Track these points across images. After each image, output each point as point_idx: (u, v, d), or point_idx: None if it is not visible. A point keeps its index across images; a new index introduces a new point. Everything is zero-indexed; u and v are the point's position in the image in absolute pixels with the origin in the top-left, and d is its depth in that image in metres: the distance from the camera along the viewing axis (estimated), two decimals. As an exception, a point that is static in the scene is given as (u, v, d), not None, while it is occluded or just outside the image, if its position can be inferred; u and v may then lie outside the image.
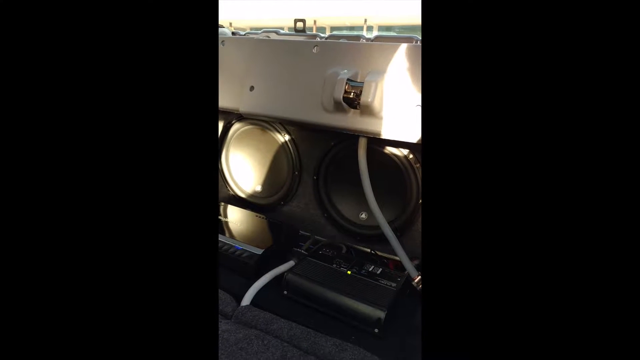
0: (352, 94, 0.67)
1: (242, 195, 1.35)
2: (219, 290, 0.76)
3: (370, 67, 0.69)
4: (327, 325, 0.74)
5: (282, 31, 0.96)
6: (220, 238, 0.97)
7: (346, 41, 0.75)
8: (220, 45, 0.87)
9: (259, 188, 1.33)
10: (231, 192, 1.37)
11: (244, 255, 0.91)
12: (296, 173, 1.22)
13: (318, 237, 1.17)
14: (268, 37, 0.90)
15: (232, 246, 0.94)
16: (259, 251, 0.92)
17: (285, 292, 0.83)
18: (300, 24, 0.91)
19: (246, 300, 0.76)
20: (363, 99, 0.66)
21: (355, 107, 0.67)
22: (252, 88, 0.80)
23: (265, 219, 1.17)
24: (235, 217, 1.16)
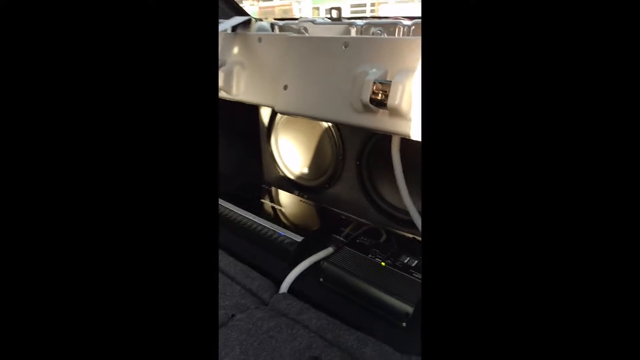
0: (380, 94, 0.65)
1: (291, 176, 1.42)
2: (258, 274, 0.85)
3: (400, 64, 0.66)
4: (357, 316, 0.78)
5: (318, 19, 0.94)
6: (265, 223, 1.05)
7: (377, 36, 0.71)
8: (257, 43, 0.89)
9: (305, 170, 1.38)
10: (280, 174, 1.44)
11: (285, 241, 0.98)
12: (340, 158, 1.24)
13: (361, 220, 1.20)
14: (304, 28, 0.89)
15: (275, 232, 1.01)
16: (299, 238, 0.98)
17: (321, 280, 0.89)
18: (335, 12, 0.88)
19: (284, 287, 0.83)
20: (390, 101, 0.64)
21: (384, 108, 0.66)
22: (285, 87, 0.82)
23: (309, 203, 1.23)
24: (280, 201, 1.23)
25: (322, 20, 0.89)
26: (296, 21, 0.95)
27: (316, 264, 0.91)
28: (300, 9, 10.86)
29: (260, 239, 1.01)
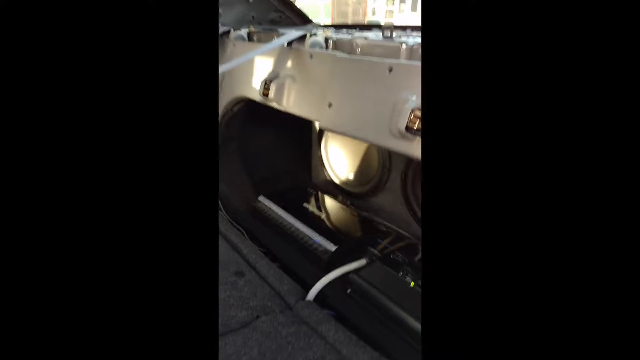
0: (416, 123, 0.65)
1: (337, 181, 1.45)
2: (289, 278, 0.90)
3: (441, 94, 0.65)
4: (378, 334, 0.80)
5: (372, 35, 0.95)
6: (303, 227, 1.10)
7: (418, 63, 0.71)
8: (309, 59, 0.93)
9: (351, 176, 1.41)
10: (327, 178, 1.48)
11: (320, 249, 1.02)
12: (386, 168, 1.24)
13: (402, 233, 1.20)
14: (357, 44, 0.91)
15: (310, 238, 1.06)
16: (333, 247, 1.02)
17: (348, 291, 0.92)
18: (387, 32, 0.88)
19: (311, 295, 0.88)
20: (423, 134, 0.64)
21: (420, 136, 0.66)
22: (330, 105, 0.85)
23: (351, 211, 1.25)
24: (322, 206, 1.27)
25: (375, 37, 0.89)
26: (350, 36, 0.97)
27: (346, 275, 0.94)
28: (374, 0, 10.66)
29: (296, 243, 1.07)
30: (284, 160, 1.52)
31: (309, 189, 1.38)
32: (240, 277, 0.87)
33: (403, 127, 0.67)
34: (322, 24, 1.57)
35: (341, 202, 1.34)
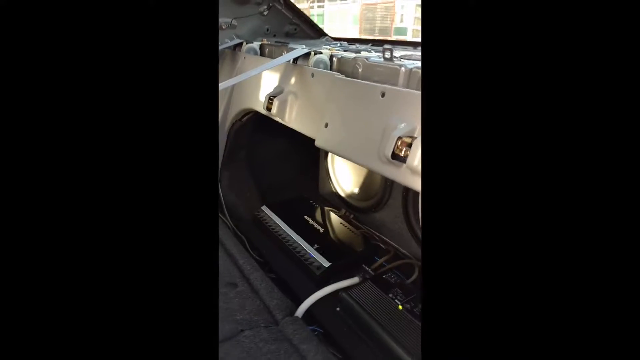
0: (403, 151, 0.65)
1: (341, 193, 1.46)
2: (279, 291, 0.91)
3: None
4: (359, 355, 0.80)
5: (373, 56, 0.95)
6: (300, 241, 1.12)
7: (412, 91, 0.71)
8: (310, 77, 0.94)
9: (355, 190, 1.41)
10: (333, 190, 1.49)
11: (314, 264, 1.03)
12: (388, 184, 1.24)
13: (401, 251, 1.19)
14: (358, 64, 0.92)
15: (307, 252, 1.07)
16: (327, 264, 1.03)
17: (338, 309, 0.92)
18: (387, 54, 0.89)
19: (299, 311, 0.89)
20: (409, 160, 0.64)
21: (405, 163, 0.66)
22: (326, 125, 0.86)
23: (351, 226, 1.26)
24: (323, 220, 1.28)
25: (377, 58, 0.90)
26: (354, 55, 0.98)
27: (337, 292, 0.95)
28: (402, 6, 10.58)
29: (293, 256, 1.08)
30: (291, 169, 1.54)
31: (312, 202, 1.39)
32: (232, 288, 0.90)
33: (389, 154, 0.67)
34: (334, 37, 1.59)
35: (344, 215, 1.34)
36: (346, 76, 0.90)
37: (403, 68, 0.81)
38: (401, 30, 10.84)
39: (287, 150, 1.49)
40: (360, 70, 0.92)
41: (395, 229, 1.25)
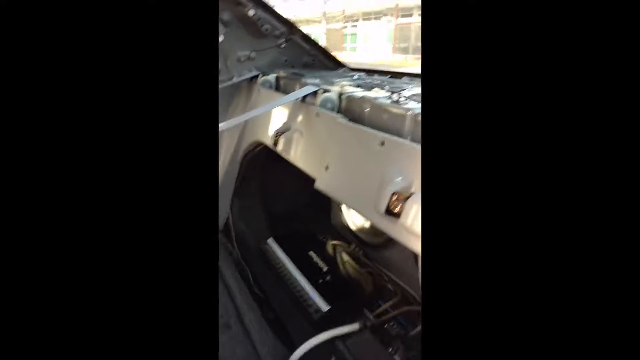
0: (397, 207, 0.62)
1: (352, 227, 1.42)
2: (273, 336, 0.89)
3: (426, 179, 0.61)
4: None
5: (381, 98, 0.93)
6: (302, 279, 1.09)
7: (412, 143, 0.67)
8: (315, 117, 0.93)
9: (367, 224, 1.37)
10: (344, 222, 1.46)
11: (312, 307, 1.00)
12: (399, 223, 1.19)
13: (409, 292, 1.13)
14: (365, 105, 0.89)
15: (307, 293, 1.04)
16: (326, 307, 0.99)
17: (332, 359, 0.88)
18: (395, 97, 0.86)
19: (293, 358, 0.86)
20: (402, 218, 0.60)
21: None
22: (327, 167, 0.84)
23: (359, 263, 1.21)
24: (330, 257, 1.24)
25: (385, 100, 0.87)
26: (362, 94, 0.96)
27: (333, 339, 0.91)
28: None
29: (292, 296, 1.06)
30: (303, 200, 1.52)
31: (321, 235, 1.36)
32: (225, 330, 0.88)
33: (383, 209, 0.64)
34: (352, 68, 1.58)
35: (352, 251, 1.30)
36: (354, 116, 0.88)
37: (410, 113, 0.78)
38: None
39: (299, 180, 1.48)
40: (367, 111, 0.90)
41: (405, 267, 1.19)
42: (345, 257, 1.26)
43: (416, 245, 0.61)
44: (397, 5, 11.32)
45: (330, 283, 1.10)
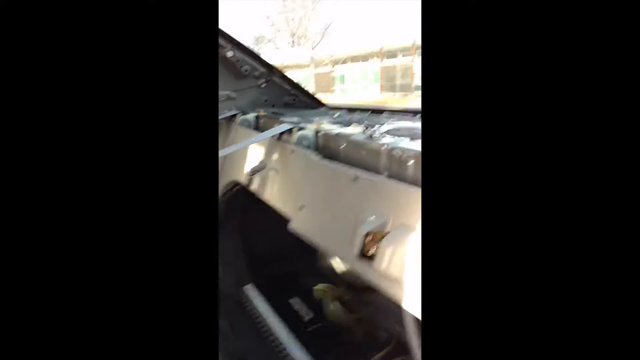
0: (371, 250, 0.56)
1: (340, 268, 1.34)
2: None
3: (402, 217, 0.56)
4: None
5: (355, 135, 0.90)
6: (280, 330, 1.00)
7: (385, 179, 0.63)
8: (290, 154, 0.90)
9: (354, 266, 1.29)
10: (332, 264, 1.38)
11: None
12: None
13: (404, 339, 1.04)
14: (340, 142, 0.86)
15: (286, 347, 0.95)
16: (308, 362, 0.89)
17: None
18: (370, 132, 0.84)
19: None
20: (376, 263, 0.54)
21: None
22: (301, 207, 0.79)
23: (343, 311, 1.13)
24: (311, 301, 1.16)
25: (360, 136, 0.84)
26: (338, 132, 0.93)
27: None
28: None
29: (270, 351, 0.96)
30: (287, 240, 1.45)
31: (305, 278, 1.28)
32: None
33: (357, 252, 0.58)
34: (332, 107, 1.58)
35: (340, 295, 1.22)
36: (331, 153, 0.85)
37: (384, 147, 0.75)
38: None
39: (282, 219, 1.43)
40: (343, 148, 0.86)
41: (398, 312, 1.10)
42: (333, 302, 1.17)
43: (393, 290, 0.55)
44: (381, 48, 11.89)
45: (316, 332, 1.02)
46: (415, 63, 11.04)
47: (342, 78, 13.55)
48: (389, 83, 11.94)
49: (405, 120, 1.17)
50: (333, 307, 1.15)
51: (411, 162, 0.69)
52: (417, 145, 0.74)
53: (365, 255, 0.57)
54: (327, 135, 0.92)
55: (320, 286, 1.24)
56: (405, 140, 0.79)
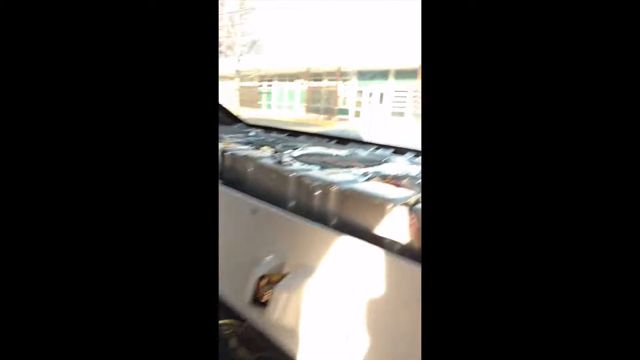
0: (264, 296, 0.50)
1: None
2: None
3: (300, 257, 0.51)
4: None
5: (266, 157, 0.84)
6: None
7: (285, 214, 0.58)
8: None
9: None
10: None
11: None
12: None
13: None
14: (249, 164, 0.79)
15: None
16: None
17: None
18: (278, 156, 0.78)
19: None
20: (268, 312, 0.48)
21: (269, 311, 0.50)
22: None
23: (247, 354, 1.03)
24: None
25: (268, 161, 0.78)
26: (246, 154, 0.86)
27: None
28: (345, 90, 11.60)
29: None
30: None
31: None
32: None
33: (249, 298, 0.51)
34: (249, 124, 1.51)
35: (245, 332, 1.11)
36: (237, 176, 0.77)
37: (292, 175, 0.70)
38: (344, 111, 11.75)
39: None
40: (250, 171, 0.79)
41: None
42: (235, 340, 1.06)
43: (287, 343, 0.48)
44: (308, 69, 12.25)
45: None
46: (339, 87, 11.57)
47: (269, 95, 13.57)
48: (314, 105, 12.28)
49: (321, 145, 1.15)
50: (234, 347, 1.04)
51: (318, 192, 0.65)
52: (326, 175, 0.70)
53: (259, 301, 0.50)
54: (235, 157, 0.85)
55: (221, 322, 1.13)
56: (316, 168, 0.75)
